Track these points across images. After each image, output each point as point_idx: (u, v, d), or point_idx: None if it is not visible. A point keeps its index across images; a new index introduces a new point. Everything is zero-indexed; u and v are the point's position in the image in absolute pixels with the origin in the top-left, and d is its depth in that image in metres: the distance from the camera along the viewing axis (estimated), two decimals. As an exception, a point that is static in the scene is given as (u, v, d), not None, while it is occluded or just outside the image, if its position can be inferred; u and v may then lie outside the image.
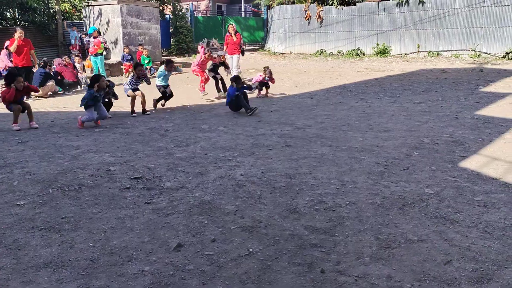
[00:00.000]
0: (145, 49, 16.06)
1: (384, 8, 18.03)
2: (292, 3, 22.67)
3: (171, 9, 24.31)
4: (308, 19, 21.14)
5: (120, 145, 6.53)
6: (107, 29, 16.69)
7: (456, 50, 16.39)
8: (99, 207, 4.24)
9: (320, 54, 20.21)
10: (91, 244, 3.51)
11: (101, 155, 6.01)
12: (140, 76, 9.13)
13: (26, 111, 8.06)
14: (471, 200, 4.19)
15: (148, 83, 9.40)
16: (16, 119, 7.93)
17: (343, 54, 19.46)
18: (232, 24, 13.00)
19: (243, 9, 35.25)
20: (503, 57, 15.22)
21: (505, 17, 15.25)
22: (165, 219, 3.96)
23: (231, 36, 12.86)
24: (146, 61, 15.63)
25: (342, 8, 19.45)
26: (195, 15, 27.18)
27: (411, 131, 6.86)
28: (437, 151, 5.77)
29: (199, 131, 7.40)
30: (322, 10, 20.49)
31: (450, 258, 3.20)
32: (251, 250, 3.38)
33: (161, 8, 22.56)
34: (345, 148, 6.03)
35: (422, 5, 16.92)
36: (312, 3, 21.22)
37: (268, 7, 25.62)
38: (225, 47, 12.91)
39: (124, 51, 15.94)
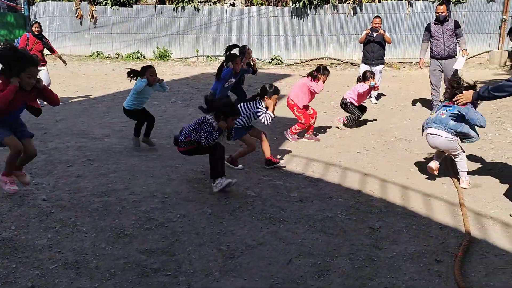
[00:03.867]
0: None
1: (161, 12, 18.08)
2: (59, 0, 20.69)
3: None
4: (80, 18, 19.62)
5: None
6: None
7: (231, 55, 17.71)
8: None
9: (97, 56, 19.02)
10: None
11: None
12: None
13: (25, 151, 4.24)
14: (288, 197, 4.49)
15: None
16: (11, 168, 4.27)
17: (123, 56, 18.78)
18: (38, 23, 9.34)
19: (-5, 3, 30.48)
20: (270, 62, 17.14)
21: (269, 27, 17.18)
22: (-49, 273, 3.00)
23: (39, 40, 9.20)
24: None
25: (118, 9, 18.70)
26: None
27: (213, 134, 7.00)
28: (244, 153, 6.03)
29: (-33, 149, 5.98)
30: (95, 10, 19.29)
31: (290, 257, 3.33)
32: (84, 291, 2.84)
33: None
34: (156, 157, 5.75)
35: (198, 11, 17.63)
36: (83, 1, 19.78)
37: (30, 3, 22.76)
38: None
39: None
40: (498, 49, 15.17)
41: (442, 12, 8.18)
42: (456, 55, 8.30)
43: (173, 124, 7.74)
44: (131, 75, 6.15)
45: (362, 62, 9.74)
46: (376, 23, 9.42)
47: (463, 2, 15.14)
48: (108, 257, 3.26)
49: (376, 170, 5.35)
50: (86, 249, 3.37)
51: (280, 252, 3.40)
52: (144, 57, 18.50)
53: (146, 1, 20.53)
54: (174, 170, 5.20)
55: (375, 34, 9.39)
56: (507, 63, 14.71)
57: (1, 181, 4.30)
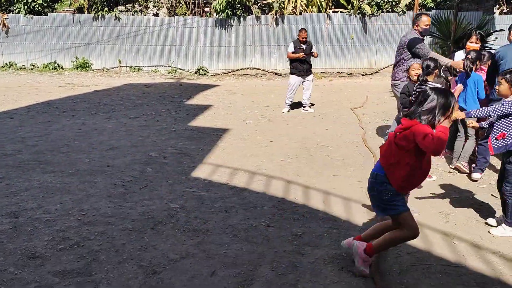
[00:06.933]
0: None
1: (79, 21, 17.33)
2: (-36, 7, 19.15)
3: None
4: (-11, 27, 18.30)
5: None
6: None
7: (155, 66, 17.30)
8: None
9: (9, 67, 17.79)
10: None
11: None
12: None
13: None
14: (213, 208, 4.45)
15: None
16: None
17: (38, 67, 17.73)
18: None
19: None
20: (195, 72, 17.04)
21: (193, 37, 17.09)
22: None
23: None
24: None
25: (32, 18, 17.67)
26: None
27: (136, 146, 6.80)
28: (168, 164, 5.91)
29: None
30: (7, 18, 18.10)
31: (214, 269, 3.29)
32: (-12, 322, 2.60)
33: None
34: (73, 172, 5.45)
35: (119, 21, 17.13)
36: (-7, 8, 18.50)
37: None
38: None
39: None
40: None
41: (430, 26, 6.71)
42: None
43: (93, 137, 7.40)
44: None
45: (293, 74, 9.78)
46: (303, 37, 9.62)
47: (377, 16, 16.08)
48: (17, 282, 3.02)
49: (300, 177, 5.47)
50: (-9, 275, 3.09)
51: (203, 265, 3.34)
52: (62, 68, 17.62)
53: (63, 10, 19.63)
54: (93, 185, 4.96)
55: (304, 46, 9.59)
56: (417, 73, 15.81)
57: (361, 258, 3.28)
